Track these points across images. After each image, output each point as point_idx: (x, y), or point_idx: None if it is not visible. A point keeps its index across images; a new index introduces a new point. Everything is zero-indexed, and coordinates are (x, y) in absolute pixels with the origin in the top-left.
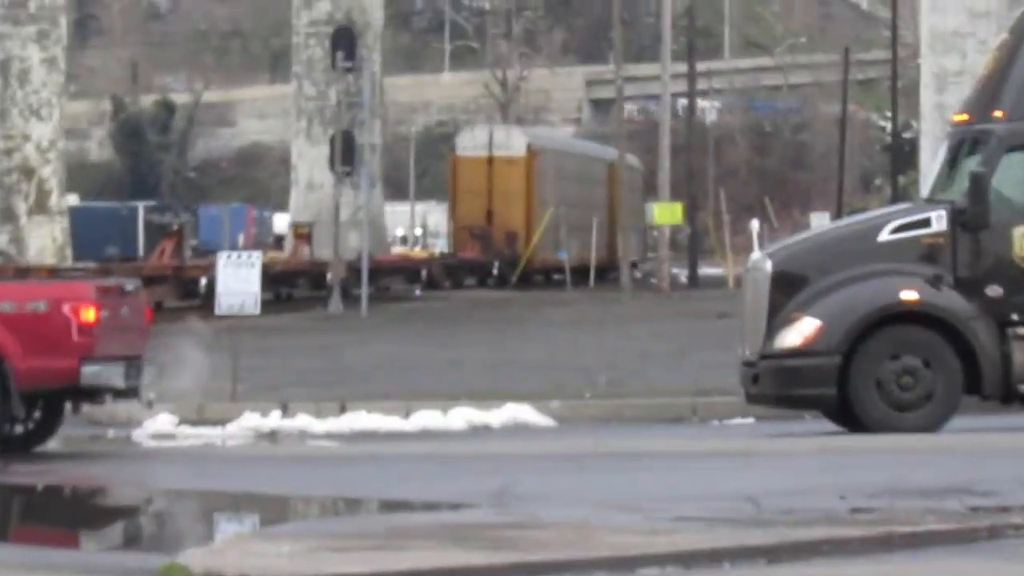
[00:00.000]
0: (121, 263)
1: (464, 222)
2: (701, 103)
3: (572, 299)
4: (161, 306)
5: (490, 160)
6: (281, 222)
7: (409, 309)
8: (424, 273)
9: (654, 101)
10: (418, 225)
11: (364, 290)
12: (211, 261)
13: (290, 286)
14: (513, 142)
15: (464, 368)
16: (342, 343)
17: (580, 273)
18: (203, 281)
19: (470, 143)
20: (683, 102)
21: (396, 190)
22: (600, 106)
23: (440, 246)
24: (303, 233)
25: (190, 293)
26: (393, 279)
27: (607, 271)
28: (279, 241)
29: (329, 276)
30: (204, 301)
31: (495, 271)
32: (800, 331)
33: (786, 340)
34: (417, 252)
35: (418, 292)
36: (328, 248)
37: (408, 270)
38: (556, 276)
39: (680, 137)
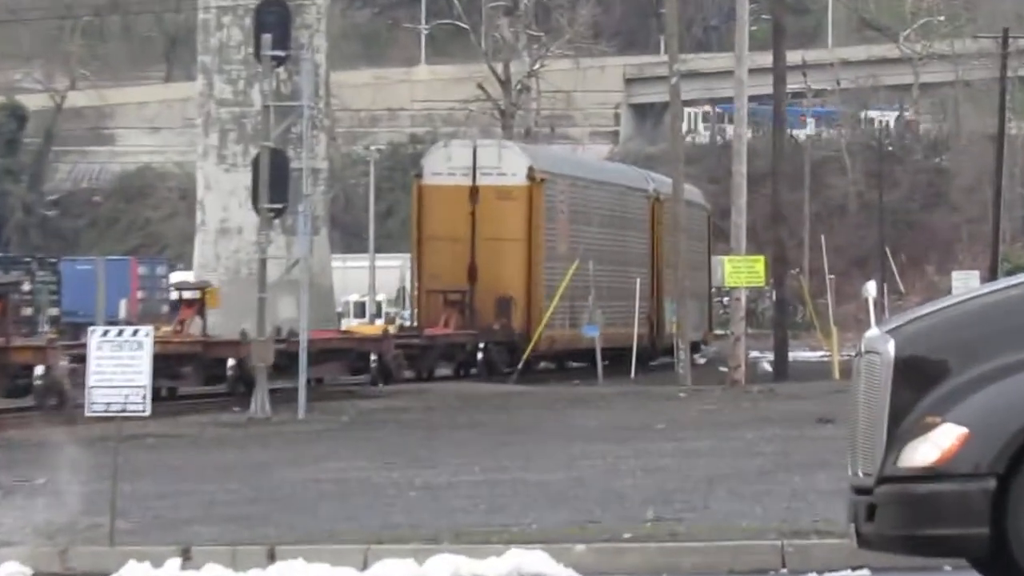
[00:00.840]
0: None
1: (434, 283)
2: (793, 110)
3: (605, 396)
4: None
5: (474, 191)
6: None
7: (365, 410)
8: (374, 358)
9: (724, 108)
10: (380, 289)
11: (302, 382)
12: (72, 339)
13: (171, 376)
14: (508, 164)
15: (448, 496)
16: (270, 460)
17: (610, 359)
18: (37, 371)
19: (444, 165)
20: (766, 109)
21: (350, 237)
22: (646, 114)
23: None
24: (192, 299)
25: (17, 389)
26: (326, 367)
27: (648, 355)
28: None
29: (253, 360)
30: (39, 400)
31: (480, 354)
32: (937, 443)
33: (917, 456)
34: (369, 328)
35: (380, 385)
36: (246, 320)
37: (349, 353)
38: (574, 364)
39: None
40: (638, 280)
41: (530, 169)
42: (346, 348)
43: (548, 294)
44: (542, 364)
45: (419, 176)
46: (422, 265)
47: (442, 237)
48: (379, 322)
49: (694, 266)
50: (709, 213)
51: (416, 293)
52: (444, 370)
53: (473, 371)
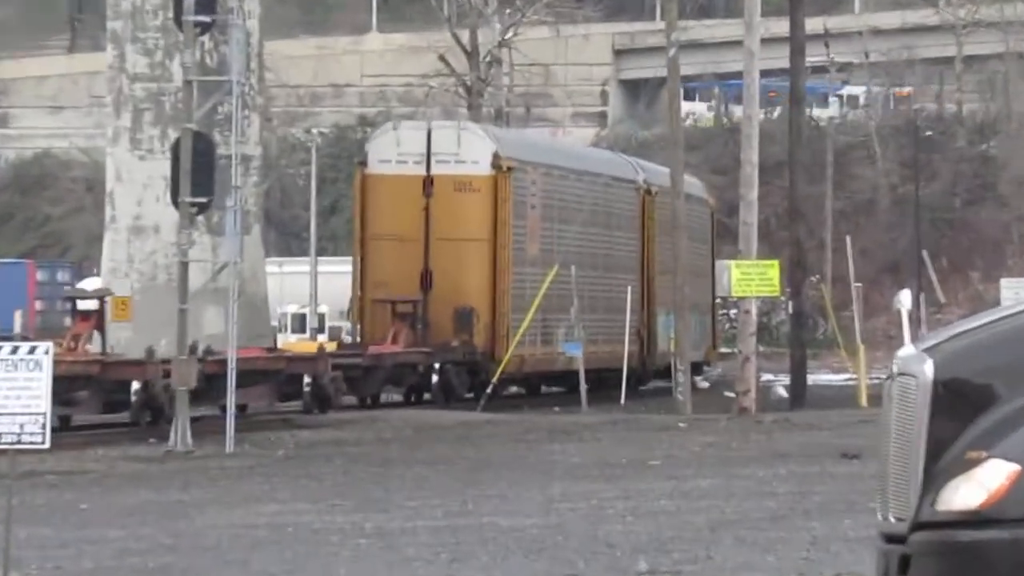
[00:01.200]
0: None
1: (381, 291)
2: (814, 88)
3: (590, 426)
4: None
5: (428, 181)
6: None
7: (305, 443)
8: (307, 381)
9: (731, 85)
10: (324, 299)
11: (230, 410)
12: None
13: (63, 403)
14: (469, 149)
15: (404, 545)
16: (192, 501)
17: (593, 382)
18: None
19: (392, 150)
20: (782, 86)
21: (288, 238)
22: (638, 92)
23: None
24: (89, 310)
25: None
26: (250, 392)
27: (637, 378)
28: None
29: (173, 383)
30: None
31: (435, 377)
32: (983, 482)
33: (959, 497)
34: (308, 345)
35: (316, 413)
36: (164, 335)
37: (277, 376)
38: (550, 388)
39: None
40: (628, 288)
41: (495, 155)
42: (274, 369)
43: (517, 305)
44: (511, 388)
45: (363, 164)
46: (366, 270)
47: (390, 236)
48: (322, 338)
49: (695, 272)
50: (713, 209)
51: (359, 304)
52: (394, 395)
53: (427, 397)
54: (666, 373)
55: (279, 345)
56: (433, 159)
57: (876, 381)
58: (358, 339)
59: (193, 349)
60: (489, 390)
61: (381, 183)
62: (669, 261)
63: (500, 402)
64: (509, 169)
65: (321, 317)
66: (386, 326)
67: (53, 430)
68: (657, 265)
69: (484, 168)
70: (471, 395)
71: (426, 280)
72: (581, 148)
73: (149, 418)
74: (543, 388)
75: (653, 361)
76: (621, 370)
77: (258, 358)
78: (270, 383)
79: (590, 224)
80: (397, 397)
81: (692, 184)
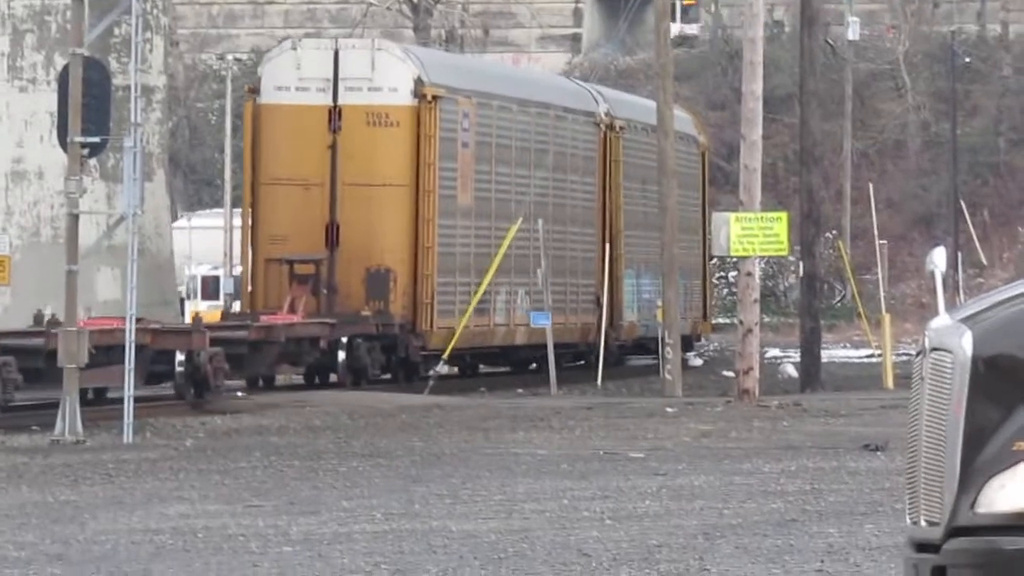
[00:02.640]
0: None
1: (277, 248)
2: (828, 5)
3: (561, 412)
4: None
5: (335, 113)
6: None
7: (219, 431)
8: (180, 359)
9: (729, 3)
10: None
11: (128, 392)
12: None
13: None
14: (386, 74)
15: (337, 553)
16: (84, 502)
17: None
18: None
19: (291, 75)
20: (788, 6)
21: (198, 186)
22: (618, 10)
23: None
24: None
25: None
26: (108, 372)
27: (598, 355)
28: None
29: (60, 359)
30: None
31: (342, 354)
32: None
33: (1004, 497)
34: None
35: (241, 394)
36: (50, 301)
37: (143, 353)
38: (489, 369)
39: (786, 76)
40: (589, 243)
41: (418, 81)
42: (138, 345)
43: (445, 265)
44: (442, 369)
45: (254, 91)
46: (258, 223)
47: (288, 181)
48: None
49: (680, 227)
50: (704, 149)
51: (251, 262)
52: (292, 375)
53: (333, 376)
54: (635, 350)
55: (187, 313)
56: (341, 86)
57: (904, 358)
58: (245, 306)
59: (39, 319)
60: (441, 368)
61: (277, 115)
62: (639, 213)
63: (450, 383)
64: (435, 98)
65: (238, 280)
66: (283, 292)
67: None
68: (623, 217)
69: (404, 97)
70: (387, 376)
71: (332, 235)
72: (526, 72)
73: (194, 392)
74: (481, 368)
75: (618, 334)
76: (576, 345)
77: (115, 330)
78: (136, 362)
79: (537, 166)
80: (298, 379)
81: (678, 118)
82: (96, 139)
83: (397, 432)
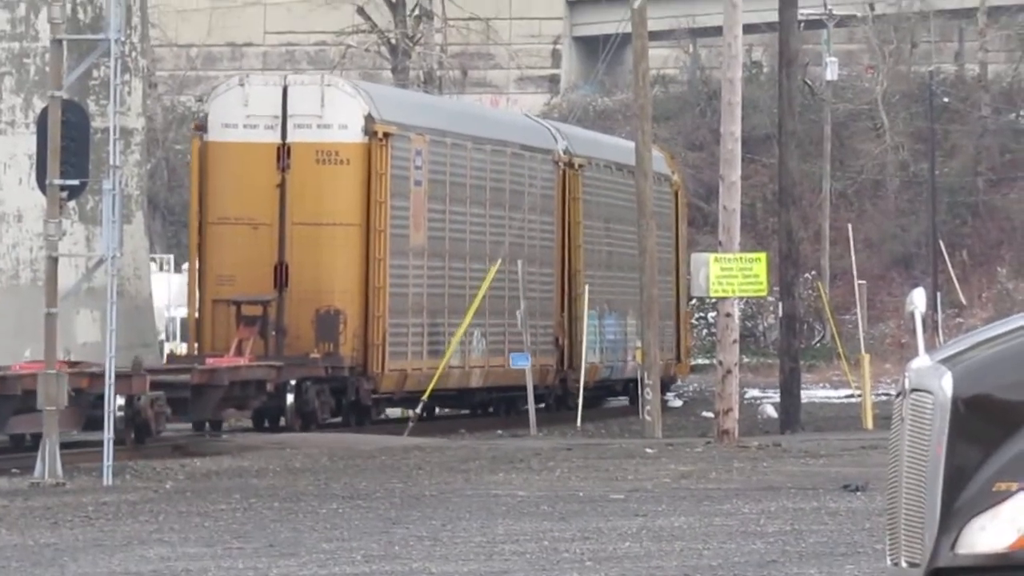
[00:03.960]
0: None
1: (224, 289)
2: (807, 46)
3: (540, 453)
4: None
5: (283, 150)
6: None
7: (199, 473)
8: (120, 403)
9: (708, 44)
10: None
11: (108, 434)
12: None
13: None
14: (336, 110)
15: None
16: (64, 544)
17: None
18: None
19: (239, 112)
20: (765, 40)
21: (177, 227)
22: (597, 52)
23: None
24: None
25: None
26: (38, 418)
27: (557, 397)
28: None
29: (39, 402)
30: None
31: (290, 397)
32: (1013, 519)
33: (984, 538)
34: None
35: (224, 437)
36: (27, 342)
37: (81, 397)
38: (451, 411)
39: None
40: (545, 286)
41: (368, 118)
42: (75, 388)
43: (397, 306)
44: (393, 411)
45: (201, 129)
46: (205, 263)
47: (235, 220)
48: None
49: (664, 267)
50: (677, 187)
51: (198, 305)
52: (239, 419)
53: (284, 419)
54: (596, 392)
55: (165, 355)
56: (290, 123)
57: (884, 398)
58: (192, 348)
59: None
60: (419, 410)
61: (224, 153)
62: (602, 252)
63: (430, 425)
64: (386, 135)
65: None
66: (231, 334)
67: None
68: (584, 256)
69: (354, 134)
70: (338, 419)
71: (281, 276)
72: (482, 109)
73: (134, 436)
74: (437, 410)
75: (577, 376)
76: (535, 388)
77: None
78: (72, 406)
79: (493, 205)
80: (245, 421)
81: (655, 158)
82: (75, 182)
83: (377, 474)
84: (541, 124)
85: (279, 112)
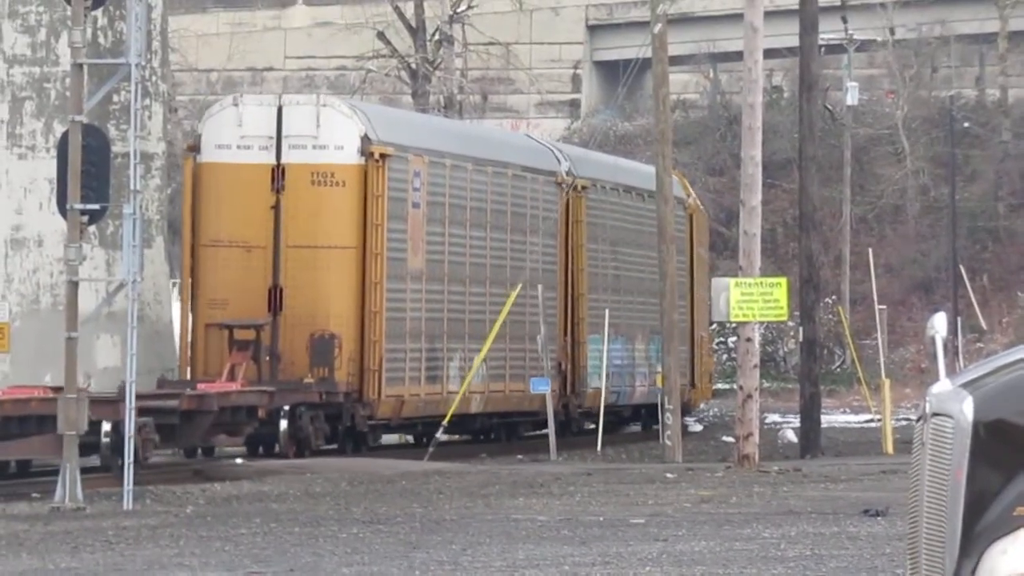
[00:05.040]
0: None
1: (218, 312)
2: (827, 71)
3: (561, 478)
4: None
5: (278, 172)
6: None
7: (219, 497)
8: (106, 430)
9: (728, 69)
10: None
11: (128, 459)
12: None
13: None
14: (331, 131)
15: None
16: (84, 570)
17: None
18: None
19: (232, 133)
20: (786, 65)
21: None
22: (618, 76)
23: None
24: None
25: None
26: (20, 446)
27: (561, 422)
28: None
29: (60, 426)
30: None
31: (283, 423)
32: None
33: (1006, 563)
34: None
35: (240, 460)
36: (47, 366)
37: (37, 420)
38: (446, 437)
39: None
40: (548, 310)
41: (364, 139)
42: (53, 415)
43: (394, 331)
44: (388, 437)
45: (194, 150)
46: (198, 286)
47: (229, 243)
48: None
49: (685, 290)
50: (692, 210)
51: (191, 329)
52: (229, 444)
53: (278, 446)
54: (601, 415)
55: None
56: (285, 143)
57: (904, 423)
58: (181, 373)
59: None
60: (440, 435)
61: (218, 174)
62: (608, 276)
63: (449, 450)
64: (383, 156)
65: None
66: (224, 358)
67: None
68: (587, 280)
69: (350, 155)
70: (333, 446)
71: (275, 299)
72: (483, 130)
73: (121, 463)
74: (441, 437)
75: (581, 402)
76: (535, 413)
77: (31, 399)
78: (51, 432)
79: (494, 227)
80: (237, 446)
81: (681, 189)
82: (95, 206)
83: (397, 498)
84: (544, 145)
85: (274, 133)
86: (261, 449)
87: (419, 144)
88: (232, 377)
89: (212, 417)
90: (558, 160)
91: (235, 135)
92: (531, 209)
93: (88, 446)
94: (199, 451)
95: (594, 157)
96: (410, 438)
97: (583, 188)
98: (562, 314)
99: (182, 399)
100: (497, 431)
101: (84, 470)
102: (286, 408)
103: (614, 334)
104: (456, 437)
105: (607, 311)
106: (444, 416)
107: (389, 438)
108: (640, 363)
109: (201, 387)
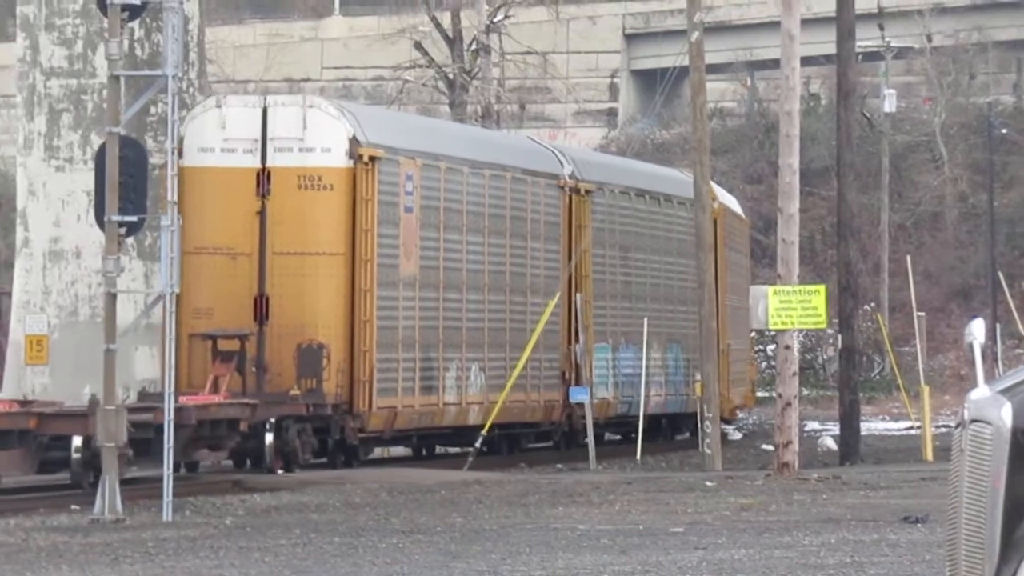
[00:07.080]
0: None
1: (201, 322)
2: (864, 78)
3: (600, 487)
4: None
5: (263, 176)
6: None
7: (258, 508)
8: (77, 444)
9: (765, 76)
10: None
11: (167, 471)
12: None
13: None
14: (318, 133)
15: None
16: None
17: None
18: None
19: (216, 135)
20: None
21: None
22: (655, 85)
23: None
24: None
25: None
26: None
27: (563, 435)
28: None
29: (99, 438)
30: None
31: (269, 437)
32: None
33: None
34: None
35: (280, 471)
36: (87, 380)
37: (34, 438)
38: (449, 448)
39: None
40: (550, 317)
41: (353, 141)
42: (22, 430)
43: (386, 340)
44: (385, 450)
45: (177, 152)
46: (181, 295)
47: (213, 250)
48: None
49: (684, 299)
50: (716, 215)
51: (173, 339)
52: (217, 460)
53: (264, 463)
54: (610, 430)
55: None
56: (270, 146)
57: (944, 430)
58: (167, 384)
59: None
60: (478, 444)
61: (200, 178)
62: (617, 282)
63: (488, 460)
64: (373, 159)
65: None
66: (208, 369)
67: None
68: (593, 286)
69: (338, 158)
70: (323, 460)
71: (261, 308)
72: (480, 132)
73: (92, 479)
74: (438, 448)
75: (583, 412)
76: (539, 425)
77: (6, 414)
78: (24, 447)
79: (492, 232)
80: (225, 460)
81: (684, 183)
82: (133, 218)
83: (436, 508)
84: (546, 148)
85: (258, 135)
86: (248, 464)
87: (411, 146)
88: (215, 389)
89: (190, 431)
90: (560, 163)
91: (218, 137)
92: (532, 213)
93: (57, 462)
94: (182, 466)
95: (601, 160)
96: (409, 450)
97: (587, 192)
98: (565, 321)
99: (157, 412)
100: (499, 443)
101: (53, 487)
102: (272, 421)
103: (624, 342)
104: (457, 449)
105: (645, 319)
106: (440, 427)
107: (395, 451)
108: (655, 372)
109: (182, 399)
